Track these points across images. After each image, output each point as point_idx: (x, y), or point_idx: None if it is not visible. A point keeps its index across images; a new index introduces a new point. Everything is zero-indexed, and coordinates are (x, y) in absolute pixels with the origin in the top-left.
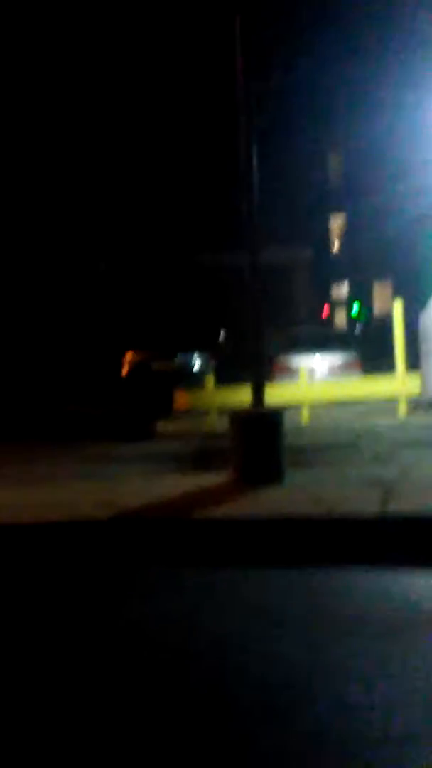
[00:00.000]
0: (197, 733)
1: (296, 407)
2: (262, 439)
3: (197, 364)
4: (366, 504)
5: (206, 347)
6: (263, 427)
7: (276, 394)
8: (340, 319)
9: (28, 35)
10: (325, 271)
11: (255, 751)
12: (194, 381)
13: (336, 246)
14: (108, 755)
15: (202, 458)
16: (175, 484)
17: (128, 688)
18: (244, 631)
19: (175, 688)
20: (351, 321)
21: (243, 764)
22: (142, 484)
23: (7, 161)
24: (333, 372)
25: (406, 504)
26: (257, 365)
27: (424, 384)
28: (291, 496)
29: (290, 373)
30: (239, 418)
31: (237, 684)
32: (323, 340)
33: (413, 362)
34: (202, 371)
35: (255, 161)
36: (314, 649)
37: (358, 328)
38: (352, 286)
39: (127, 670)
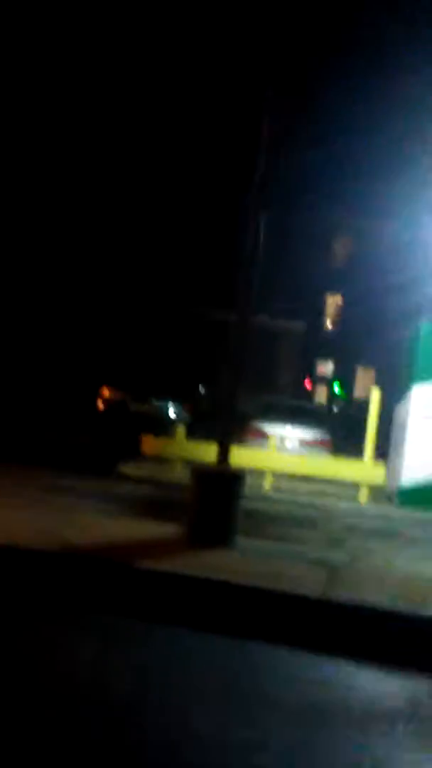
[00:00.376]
0: None
1: (261, 473)
2: (219, 497)
3: (171, 412)
4: (309, 584)
5: (183, 398)
6: (221, 486)
7: (244, 456)
8: (320, 396)
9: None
10: (314, 346)
11: None
12: (166, 429)
13: (328, 324)
14: None
15: (158, 507)
16: (125, 528)
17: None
18: (147, 695)
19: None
20: (330, 399)
21: None
22: (92, 521)
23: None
24: (303, 446)
25: (348, 592)
26: (227, 423)
27: (390, 474)
28: (236, 562)
29: (262, 438)
30: (199, 473)
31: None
32: (300, 412)
33: (385, 450)
34: (175, 420)
35: (260, 230)
36: (214, 724)
37: (336, 407)
38: (336, 365)
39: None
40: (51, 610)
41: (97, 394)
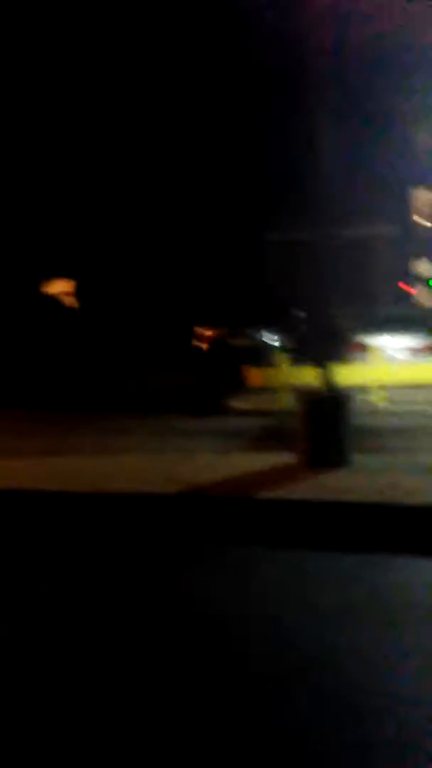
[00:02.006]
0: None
1: (369, 388)
2: (329, 420)
3: (271, 341)
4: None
5: (281, 326)
6: (330, 408)
7: (350, 374)
8: (421, 299)
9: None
10: (406, 246)
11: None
12: (268, 359)
13: (420, 221)
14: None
15: (271, 437)
16: (240, 463)
17: (162, 660)
18: (287, 616)
19: (206, 665)
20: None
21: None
22: (208, 461)
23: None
24: (411, 354)
25: None
26: (326, 343)
27: None
28: (355, 481)
29: (365, 352)
30: (306, 398)
31: (264, 665)
32: (401, 319)
33: None
34: (277, 350)
35: (327, 135)
36: (347, 636)
37: None
38: None
39: (165, 640)
40: (184, 550)
41: (194, 335)
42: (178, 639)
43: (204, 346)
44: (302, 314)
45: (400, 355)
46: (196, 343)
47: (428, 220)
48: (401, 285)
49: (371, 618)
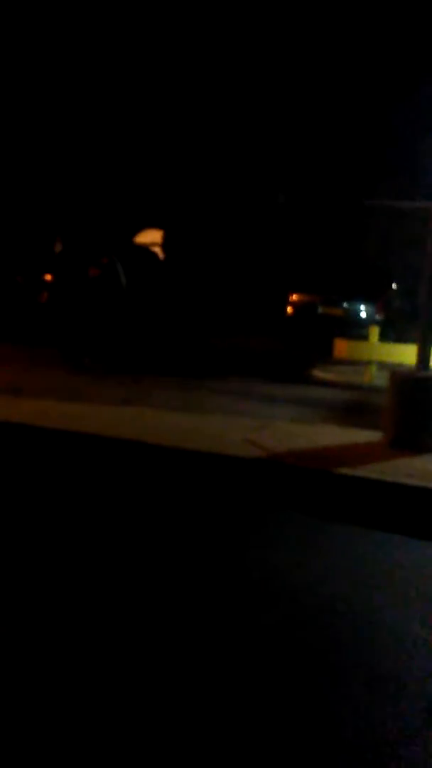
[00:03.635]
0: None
1: None
2: (421, 403)
3: (363, 314)
4: None
5: (374, 298)
6: (423, 391)
7: None
8: None
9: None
10: None
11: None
12: (358, 331)
13: None
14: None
15: (354, 412)
16: (322, 434)
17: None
18: (354, 596)
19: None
20: None
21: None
22: (288, 429)
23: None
24: None
25: None
26: (427, 324)
27: None
28: None
29: None
30: (399, 378)
31: (329, 649)
32: None
33: None
34: (368, 322)
35: None
36: (414, 621)
37: None
38: None
39: (221, 609)
40: (254, 515)
41: (286, 300)
42: (229, 602)
43: (294, 312)
44: (400, 288)
45: None
46: (287, 308)
47: None
48: None
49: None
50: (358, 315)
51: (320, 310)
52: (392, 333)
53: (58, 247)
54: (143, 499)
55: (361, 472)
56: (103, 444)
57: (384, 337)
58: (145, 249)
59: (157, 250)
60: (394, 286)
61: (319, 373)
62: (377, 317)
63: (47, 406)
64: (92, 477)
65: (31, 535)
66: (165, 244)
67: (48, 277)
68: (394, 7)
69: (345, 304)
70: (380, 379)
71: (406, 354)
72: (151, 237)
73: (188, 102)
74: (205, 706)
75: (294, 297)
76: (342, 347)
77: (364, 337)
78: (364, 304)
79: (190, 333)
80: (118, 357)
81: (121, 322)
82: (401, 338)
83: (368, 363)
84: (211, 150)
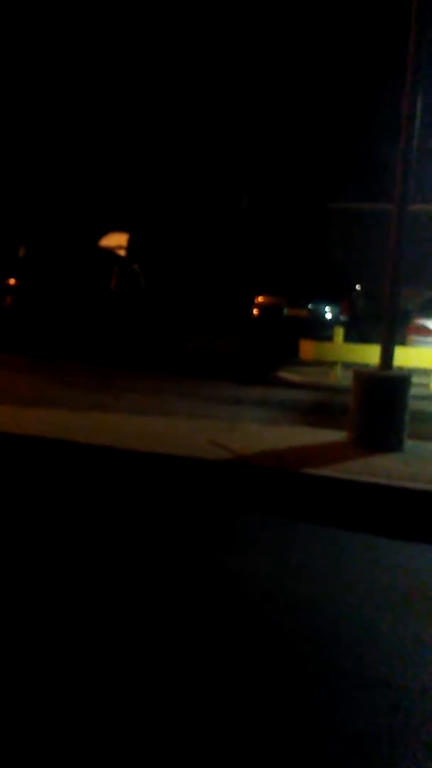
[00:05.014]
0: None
1: (427, 372)
2: (385, 402)
3: (328, 315)
4: None
5: (338, 300)
6: (387, 390)
7: (407, 356)
8: None
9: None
10: None
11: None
12: (323, 332)
13: None
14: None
15: (320, 412)
16: (288, 435)
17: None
18: (321, 594)
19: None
20: None
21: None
22: (255, 430)
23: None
24: None
25: None
26: (390, 324)
27: None
28: (405, 466)
29: (425, 336)
30: (363, 378)
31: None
32: None
33: None
34: (332, 324)
35: (419, 107)
36: (383, 620)
37: None
38: None
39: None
40: (221, 517)
41: (251, 302)
42: (202, 605)
43: (259, 313)
44: (363, 289)
45: None
46: (253, 310)
47: None
48: None
49: (398, 600)
50: (323, 316)
51: (286, 311)
52: (357, 334)
53: (22, 252)
54: (111, 502)
55: (326, 471)
56: (71, 449)
57: (349, 337)
58: (109, 252)
59: (122, 253)
60: (358, 287)
61: (285, 375)
62: (342, 318)
63: (15, 411)
64: (59, 482)
65: None
66: (130, 247)
67: (12, 281)
68: (357, 15)
69: (310, 306)
70: (345, 380)
71: (371, 354)
72: (116, 240)
73: (154, 107)
74: (174, 703)
75: (259, 299)
76: (308, 348)
77: (330, 338)
78: (329, 305)
79: (159, 335)
80: (88, 357)
81: (134, 324)
82: (366, 338)
83: (333, 364)
84: (176, 153)
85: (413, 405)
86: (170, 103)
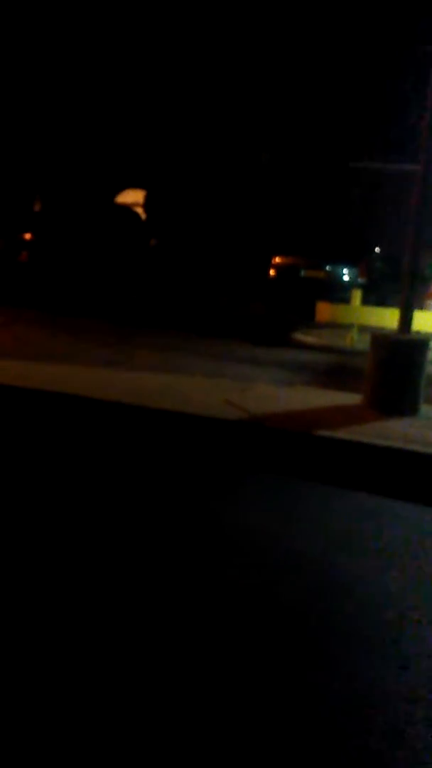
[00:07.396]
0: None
1: None
2: (402, 366)
3: (346, 277)
4: None
5: (357, 262)
6: (405, 354)
7: (426, 321)
8: None
9: None
10: None
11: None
12: (340, 295)
13: None
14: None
15: (335, 374)
16: (303, 397)
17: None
18: (327, 554)
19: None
20: None
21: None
22: (269, 391)
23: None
24: None
25: None
26: (410, 287)
27: None
28: (421, 431)
29: None
30: (380, 341)
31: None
32: None
33: None
34: (350, 286)
35: None
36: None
37: None
38: None
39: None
40: (231, 476)
41: (269, 263)
42: (202, 562)
43: (277, 274)
44: (380, 255)
45: None
46: (270, 270)
47: None
48: None
49: (408, 561)
50: (341, 278)
51: (303, 273)
52: (374, 297)
53: (38, 206)
54: (121, 460)
55: (341, 434)
56: (83, 404)
57: (366, 300)
58: (127, 209)
59: (139, 210)
60: (376, 249)
61: (301, 336)
62: (360, 281)
63: (27, 367)
64: (71, 437)
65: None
66: (147, 205)
67: (27, 236)
68: None
69: (328, 267)
70: (362, 343)
71: (388, 317)
72: (133, 197)
73: (172, 62)
74: (170, 668)
75: (277, 260)
76: (324, 310)
77: (347, 301)
78: (347, 267)
79: (176, 294)
80: (104, 315)
81: (109, 281)
82: (383, 302)
83: (350, 326)
84: (194, 109)
85: (428, 370)
86: (190, 58)
